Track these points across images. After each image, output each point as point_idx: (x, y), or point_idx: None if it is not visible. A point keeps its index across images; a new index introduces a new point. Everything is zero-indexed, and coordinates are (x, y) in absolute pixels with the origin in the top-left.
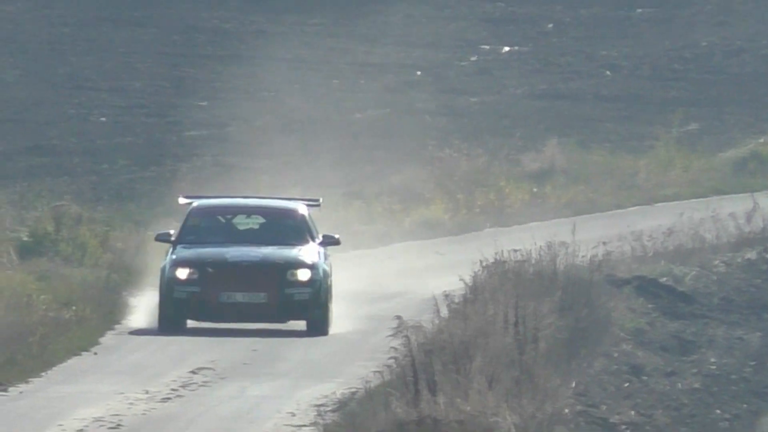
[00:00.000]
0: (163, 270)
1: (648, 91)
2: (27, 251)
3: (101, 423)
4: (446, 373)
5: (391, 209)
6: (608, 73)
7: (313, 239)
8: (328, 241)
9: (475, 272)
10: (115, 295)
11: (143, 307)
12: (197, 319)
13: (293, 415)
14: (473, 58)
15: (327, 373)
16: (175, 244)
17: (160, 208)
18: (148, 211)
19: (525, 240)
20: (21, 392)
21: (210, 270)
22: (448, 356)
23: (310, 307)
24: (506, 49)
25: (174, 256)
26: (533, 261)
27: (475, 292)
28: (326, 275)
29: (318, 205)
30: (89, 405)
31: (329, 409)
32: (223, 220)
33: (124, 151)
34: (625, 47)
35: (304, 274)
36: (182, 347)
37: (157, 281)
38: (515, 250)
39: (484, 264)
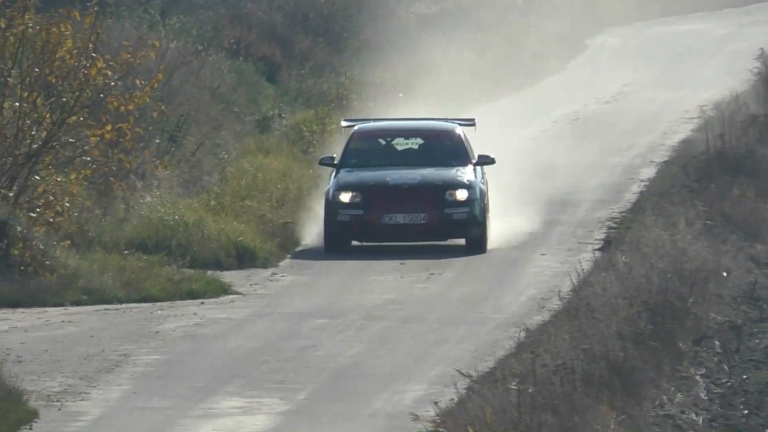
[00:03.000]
0: (327, 193)
1: None
2: None
3: (567, 117)
4: None
5: None
6: None
7: (470, 159)
8: (484, 161)
9: None
10: None
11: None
12: (360, 240)
13: (687, 111)
14: None
15: (706, 87)
16: (338, 167)
17: None
18: None
19: None
20: None
21: (371, 193)
22: None
23: (468, 225)
24: None
25: (337, 180)
26: None
27: None
28: (483, 194)
29: (473, 125)
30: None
31: (708, 108)
32: (383, 143)
33: None
34: None
35: (461, 194)
36: None
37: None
38: None
39: None
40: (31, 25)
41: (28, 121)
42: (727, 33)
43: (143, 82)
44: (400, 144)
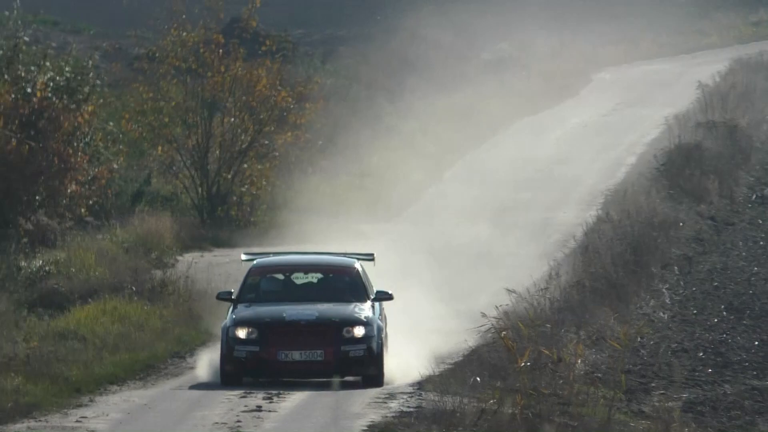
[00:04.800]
0: (224, 329)
1: None
2: None
3: (579, 124)
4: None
5: None
6: None
7: (368, 295)
8: (382, 297)
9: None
10: None
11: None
12: (256, 377)
13: (656, 120)
14: None
15: (669, 105)
16: (235, 302)
17: None
18: None
19: None
20: None
21: (268, 329)
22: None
23: (365, 363)
24: None
25: (234, 316)
26: None
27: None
28: (380, 330)
29: (372, 260)
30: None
31: (670, 118)
32: (281, 277)
33: None
34: None
35: (359, 331)
36: None
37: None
38: None
39: None
40: (239, 69)
41: (239, 130)
42: (682, 71)
43: (310, 105)
44: (299, 278)
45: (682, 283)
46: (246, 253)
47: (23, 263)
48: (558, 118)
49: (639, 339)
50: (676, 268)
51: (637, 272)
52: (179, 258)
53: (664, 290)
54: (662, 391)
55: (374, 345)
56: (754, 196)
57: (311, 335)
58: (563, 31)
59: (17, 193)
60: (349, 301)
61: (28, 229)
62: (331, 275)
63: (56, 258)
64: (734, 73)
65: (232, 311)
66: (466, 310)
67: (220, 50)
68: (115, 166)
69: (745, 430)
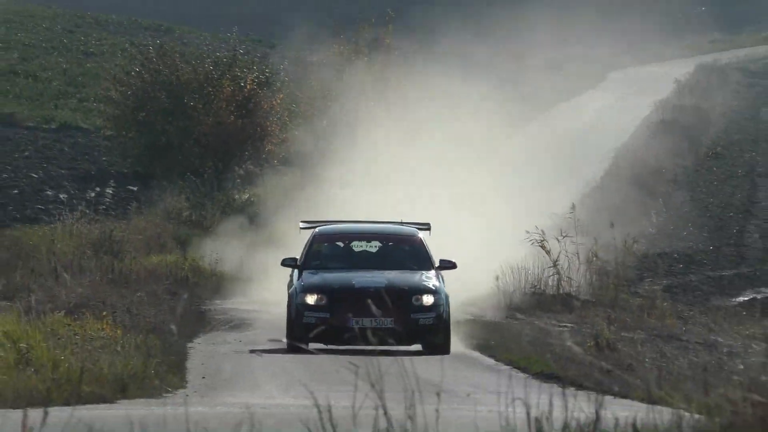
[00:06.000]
0: (292, 295)
1: None
2: None
3: (600, 106)
4: None
5: None
6: None
7: (432, 264)
8: (446, 266)
9: None
10: None
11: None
12: (326, 344)
13: (656, 99)
14: None
15: (664, 92)
16: (300, 269)
17: None
18: None
19: None
20: None
21: (337, 296)
22: None
23: (434, 331)
24: None
25: (302, 282)
26: None
27: None
28: (447, 299)
29: (428, 230)
30: None
31: (664, 96)
32: (342, 245)
33: None
34: None
35: (428, 299)
36: None
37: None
38: None
39: None
40: (377, 68)
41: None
42: (665, 71)
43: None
44: (358, 246)
45: (664, 209)
46: (303, 221)
47: (236, 196)
48: (582, 103)
49: (635, 245)
50: (660, 199)
51: (635, 202)
52: (338, 192)
53: (652, 213)
54: (650, 279)
55: (443, 313)
56: (710, 153)
57: (381, 302)
58: (591, 41)
59: (233, 151)
60: (414, 269)
61: (240, 173)
62: (393, 244)
63: (257, 192)
64: (698, 72)
65: (299, 278)
66: (524, 225)
67: (366, 58)
68: (296, 133)
69: (702, 304)
